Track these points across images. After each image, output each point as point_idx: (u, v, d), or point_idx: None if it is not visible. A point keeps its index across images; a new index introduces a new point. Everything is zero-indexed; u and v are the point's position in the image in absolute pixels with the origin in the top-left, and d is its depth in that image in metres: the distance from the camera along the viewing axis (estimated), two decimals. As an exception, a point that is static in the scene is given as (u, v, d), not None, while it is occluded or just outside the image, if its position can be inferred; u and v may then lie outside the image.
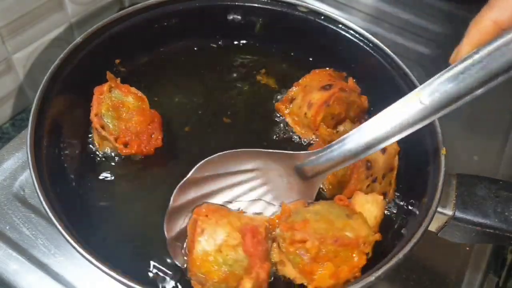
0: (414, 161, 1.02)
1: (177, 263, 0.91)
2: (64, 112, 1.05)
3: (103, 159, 1.05)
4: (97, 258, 0.81)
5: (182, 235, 0.93)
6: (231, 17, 1.27)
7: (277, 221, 0.92)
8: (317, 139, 1.11)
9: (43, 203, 0.86)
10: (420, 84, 1.05)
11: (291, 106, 1.15)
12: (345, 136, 0.88)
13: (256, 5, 1.25)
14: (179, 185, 0.93)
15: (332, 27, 1.21)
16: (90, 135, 1.07)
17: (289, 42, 1.29)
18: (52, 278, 0.98)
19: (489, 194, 0.91)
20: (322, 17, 1.22)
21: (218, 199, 0.96)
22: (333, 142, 0.90)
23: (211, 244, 0.85)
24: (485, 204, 0.90)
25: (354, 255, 0.85)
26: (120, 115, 1.03)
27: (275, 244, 0.91)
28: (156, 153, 1.05)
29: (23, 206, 1.06)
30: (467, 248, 1.10)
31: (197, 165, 0.95)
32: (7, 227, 1.03)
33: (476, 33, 0.76)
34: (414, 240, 0.85)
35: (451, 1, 1.66)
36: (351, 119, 1.12)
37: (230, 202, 0.97)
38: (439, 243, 1.02)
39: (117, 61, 1.18)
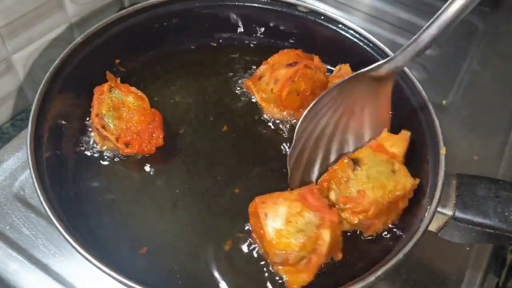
0: (414, 161, 1.02)
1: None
2: (64, 112, 1.05)
3: (104, 159, 1.05)
4: (97, 258, 0.81)
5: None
6: (231, 17, 1.27)
7: (325, 184, 0.99)
8: (284, 116, 1.16)
9: (43, 203, 0.86)
10: (420, 84, 1.07)
11: (259, 83, 1.17)
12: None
13: (256, 5, 1.25)
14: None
15: (332, 27, 1.22)
16: (91, 135, 1.07)
17: (289, 42, 1.29)
18: (52, 278, 0.97)
19: (489, 194, 0.91)
20: (322, 17, 1.22)
21: None
22: (402, 47, 0.94)
23: (278, 221, 0.89)
24: (485, 204, 0.90)
25: (400, 203, 0.94)
26: (121, 115, 1.03)
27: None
28: (157, 153, 1.05)
29: (23, 206, 1.06)
30: (467, 248, 1.10)
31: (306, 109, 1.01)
32: (7, 227, 1.02)
33: None
34: (414, 240, 0.85)
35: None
36: (317, 96, 1.14)
37: None
38: (439, 243, 1.02)
39: (117, 61, 1.18)
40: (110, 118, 1.02)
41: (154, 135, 1.04)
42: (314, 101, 1.02)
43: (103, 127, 1.02)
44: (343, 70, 1.17)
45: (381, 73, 0.99)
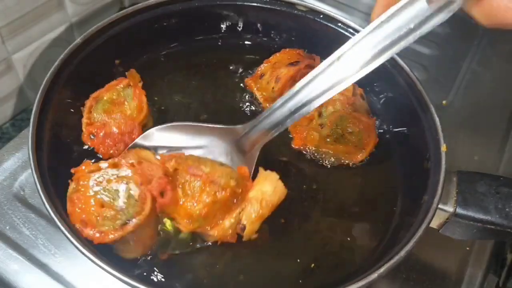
0: (415, 158, 1.02)
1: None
2: (64, 112, 1.05)
3: (104, 159, 1.04)
4: (101, 258, 0.81)
5: None
6: (230, 16, 1.27)
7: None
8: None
9: (45, 203, 0.85)
10: (421, 84, 1.06)
11: (260, 81, 1.18)
12: (272, 105, 0.94)
13: (255, 4, 1.25)
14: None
15: (331, 26, 1.21)
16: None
17: (289, 41, 1.29)
18: (52, 278, 0.97)
19: (489, 191, 0.91)
20: (322, 16, 1.22)
21: None
22: (263, 112, 0.95)
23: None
24: (486, 200, 0.90)
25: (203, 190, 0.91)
26: (112, 110, 1.03)
27: None
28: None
29: (23, 206, 1.05)
30: (467, 248, 1.10)
31: (145, 132, 1.00)
32: (7, 227, 1.02)
33: None
34: (416, 237, 0.85)
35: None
36: None
37: None
38: (439, 243, 1.02)
39: (117, 61, 1.18)
40: (102, 105, 1.03)
41: (120, 144, 1.02)
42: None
43: (90, 108, 1.03)
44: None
45: (243, 141, 1.00)
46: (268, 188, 0.94)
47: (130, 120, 1.02)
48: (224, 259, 0.95)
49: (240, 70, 1.25)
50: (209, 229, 0.92)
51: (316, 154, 1.09)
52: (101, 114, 1.02)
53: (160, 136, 1.00)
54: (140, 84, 1.05)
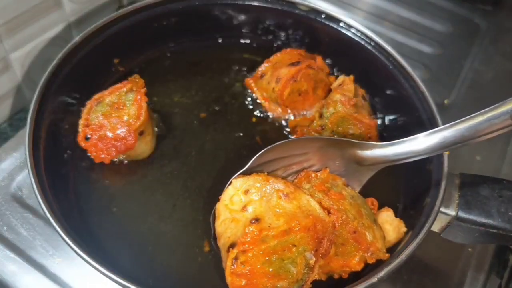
0: (417, 160, 1.02)
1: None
2: (62, 112, 1.04)
3: (96, 162, 1.04)
4: (96, 259, 0.80)
5: None
6: (230, 16, 1.26)
7: (312, 175, 0.92)
8: (284, 115, 1.15)
9: (42, 204, 0.85)
10: (421, 81, 1.06)
11: (261, 81, 1.17)
12: (414, 136, 0.89)
13: (256, 4, 1.24)
14: (234, 176, 0.89)
15: (333, 25, 1.21)
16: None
17: (290, 41, 1.29)
18: (50, 280, 0.96)
19: (492, 194, 0.90)
20: (323, 16, 1.21)
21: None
22: (404, 139, 0.91)
23: None
24: (489, 204, 0.90)
25: (357, 255, 0.84)
26: (110, 113, 1.02)
27: None
28: (156, 154, 1.06)
29: (21, 206, 1.05)
30: (469, 249, 1.10)
31: (256, 155, 0.90)
32: (5, 228, 1.02)
33: None
34: (417, 241, 0.85)
35: (453, 0, 1.66)
36: (319, 97, 1.15)
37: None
38: (441, 244, 1.02)
39: (116, 60, 1.17)
40: (101, 107, 1.02)
41: (112, 149, 1.01)
42: (289, 140, 0.98)
43: (90, 109, 1.02)
44: (346, 85, 1.12)
45: (365, 156, 0.95)
46: (392, 240, 0.92)
47: (127, 126, 1.01)
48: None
49: (241, 70, 1.24)
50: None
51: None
52: (99, 116, 1.01)
53: (269, 155, 0.92)
54: (144, 90, 1.03)
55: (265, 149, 0.90)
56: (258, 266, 0.77)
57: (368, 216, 0.89)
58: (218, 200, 0.88)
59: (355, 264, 0.84)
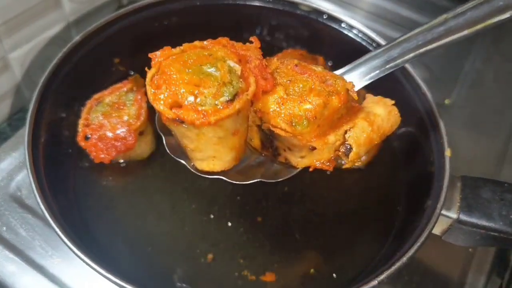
0: (418, 162, 1.02)
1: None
2: (62, 112, 1.04)
3: (96, 163, 1.04)
4: (95, 261, 0.80)
5: None
6: (231, 16, 1.26)
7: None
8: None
9: (41, 205, 0.85)
10: (423, 82, 1.06)
11: None
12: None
13: (257, 4, 1.24)
14: None
15: (334, 26, 1.20)
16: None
17: (292, 41, 1.28)
18: (49, 280, 0.97)
19: (493, 197, 0.90)
20: (325, 16, 1.21)
21: None
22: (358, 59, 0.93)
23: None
24: (490, 206, 0.89)
25: (313, 91, 0.81)
26: (110, 113, 1.01)
27: None
28: (155, 156, 1.06)
29: (20, 207, 1.05)
30: (470, 250, 1.10)
31: None
32: (4, 228, 1.01)
33: None
34: (418, 244, 0.85)
35: (453, -1, 1.65)
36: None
37: None
38: (441, 245, 1.01)
39: (116, 60, 1.17)
40: (102, 107, 1.01)
41: (112, 149, 1.01)
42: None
43: (90, 109, 1.02)
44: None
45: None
46: (381, 112, 0.88)
47: (127, 126, 1.00)
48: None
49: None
50: (314, 140, 0.81)
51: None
52: (99, 116, 1.01)
53: None
54: (144, 90, 1.03)
55: None
56: (174, 75, 0.74)
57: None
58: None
59: (317, 102, 0.79)
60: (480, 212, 0.89)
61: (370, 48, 1.17)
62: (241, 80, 0.75)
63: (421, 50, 0.87)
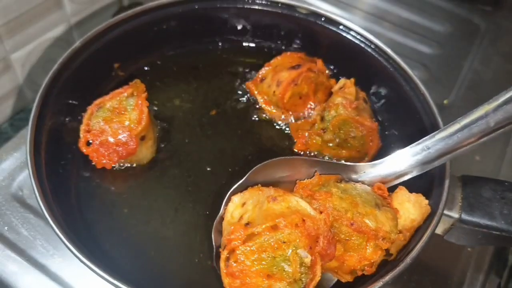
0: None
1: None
2: (63, 117, 1.04)
3: (97, 168, 1.04)
4: (95, 263, 0.81)
5: None
6: (230, 19, 1.26)
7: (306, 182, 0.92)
8: (285, 118, 1.15)
9: (42, 207, 0.86)
10: (421, 83, 1.06)
11: (261, 85, 1.17)
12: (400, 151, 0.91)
13: (256, 7, 1.24)
14: (230, 190, 0.90)
15: (332, 28, 1.21)
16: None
17: (290, 44, 1.29)
18: (51, 279, 0.97)
19: (495, 196, 0.91)
20: (323, 19, 1.21)
21: None
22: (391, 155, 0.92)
23: None
24: (491, 206, 0.90)
25: (368, 246, 0.83)
26: (111, 119, 1.01)
27: None
28: (158, 159, 1.06)
29: (21, 206, 1.05)
30: (469, 249, 1.10)
31: (251, 171, 0.90)
32: (6, 228, 1.02)
33: None
34: (421, 244, 0.85)
35: (453, 0, 1.66)
36: (319, 100, 1.14)
37: None
38: (441, 244, 1.01)
39: (117, 65, 1.17)
40: (102, 112, 1.01)
41: (114, 155, 1.01)
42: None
43: (91, 114, 1.01)
44: (347, 88, 1.12)
45: (361, 180, 0.95)
46: (417, 217, 0.90)
47: (128, 131, 1.00)
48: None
49: (241, 73, 1.24)
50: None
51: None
52: (100, 122, 1.00)
53: (264, 172, 0.92)
54: (144, 95, 1.02)
55: (259, 165, 0.91)
56: (249, 264, 0.76)
57: (366, 203, 0.86)
58: (220, 205, 0.88)
59: (371, 254, 0.82)
60: (481, 211, 0.89)
61: (368, 49, 1.17)
62: (309, 272, 0.77)
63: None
